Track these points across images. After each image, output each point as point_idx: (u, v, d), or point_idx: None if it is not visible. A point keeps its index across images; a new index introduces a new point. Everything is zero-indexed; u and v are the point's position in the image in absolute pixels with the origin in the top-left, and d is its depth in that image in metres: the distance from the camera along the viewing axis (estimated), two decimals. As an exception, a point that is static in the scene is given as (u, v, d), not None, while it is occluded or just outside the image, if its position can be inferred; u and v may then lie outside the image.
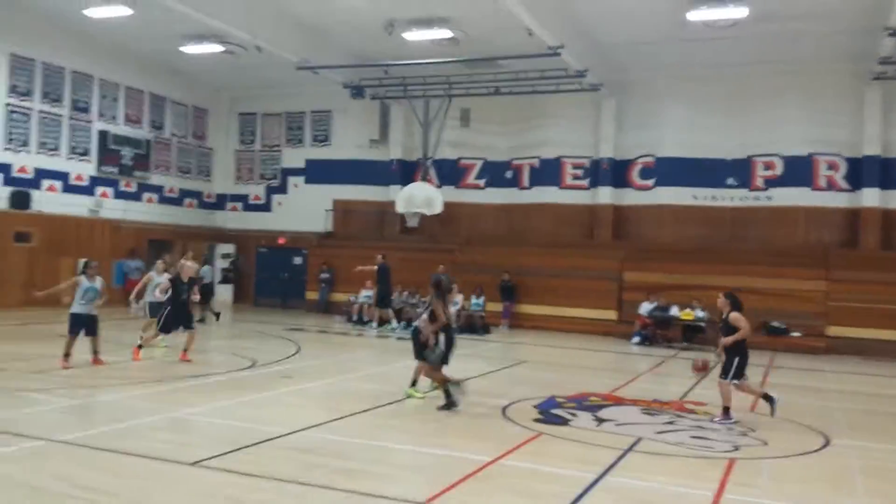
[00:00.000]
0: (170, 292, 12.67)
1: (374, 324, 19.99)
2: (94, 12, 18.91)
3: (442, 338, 9.79)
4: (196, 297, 13.60)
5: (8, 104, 20.25)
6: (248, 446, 7.14)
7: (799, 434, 8.88)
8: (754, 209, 22.13)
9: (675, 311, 19.00)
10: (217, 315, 19.48)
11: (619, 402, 10.46)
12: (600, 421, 9.06)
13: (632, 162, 23.44)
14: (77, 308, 11.14)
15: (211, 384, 10.73)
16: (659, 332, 18.97)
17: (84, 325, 11.14)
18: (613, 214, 23.41)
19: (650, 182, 23.24)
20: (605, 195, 23.45)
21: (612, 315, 20.78)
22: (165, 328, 12.53)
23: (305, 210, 26.19)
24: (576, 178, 23.95)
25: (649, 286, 19.91)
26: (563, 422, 8.90)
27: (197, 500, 5.61)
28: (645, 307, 19.31)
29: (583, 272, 21.08)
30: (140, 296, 14.45)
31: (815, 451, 8.11)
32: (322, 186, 26.37)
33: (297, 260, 26.24)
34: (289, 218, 26.67)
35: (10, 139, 20.38)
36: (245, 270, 26.80)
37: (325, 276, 23.81)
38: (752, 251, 21.07)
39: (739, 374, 9.47)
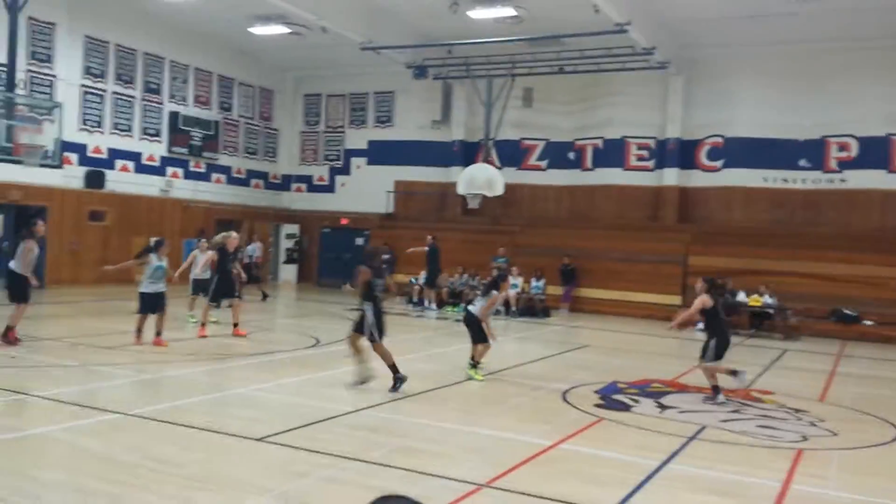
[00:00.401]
0: (215, 265, 13.05)
1: (433, 305, 20.09)
2: (166, -5, 19.35)
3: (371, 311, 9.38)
4: (243, 277, 14.00)
5: (83, 86, 20.91)
6: (312, 423, 7.29)
7: (871, 425, 8.60)
8: (827, 192, 21.37)
9: (742, 296, 18.54)
10: (265, 296, 19.75)
11: (683, 389, 10.30)
12: (663, 408, 8.94)
13: (699, 142, 22.88)
14: (146, 287, 11.46)
15: (276, 361, 10.98)
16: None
17: (153, 303, 11.47)
18: (679, 196, 22.93)
19: (718, 163, 22.67)
20: (671, 176, 22.96)
21: (676, 300, 20.35)
22: (214, 299, 12.87)
23: (367, 191, 26.40)
24: (641, 158, 23.51)
25: (716, 270, 19.38)
26: (625, 408, 8.81)
27: (263, 475, 5.76)
28: (711, 292, 18.88)
29: (646, 256, 20.74)
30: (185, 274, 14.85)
31: (888, 442, 7.85)
32: (384, 167, 26.53)
33: (359, 241, 26.50)
34: (351, 199, 26.94)
35: (85, 120, 21.07)
36: (307, 251, 27.23)
37: (385, 256, 23.98)
38: (825, 235, 20.37)
39: (717, 356, 9.39)
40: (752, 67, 22.03)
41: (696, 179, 22.90)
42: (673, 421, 8.27)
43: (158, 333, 11.57)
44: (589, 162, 24.25)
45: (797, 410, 9.18)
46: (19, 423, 6.92)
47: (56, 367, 9.56)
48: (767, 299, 18.13)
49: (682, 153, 22.87)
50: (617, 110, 23.61)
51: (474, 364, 10.21)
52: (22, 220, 19.19)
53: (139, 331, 11.41)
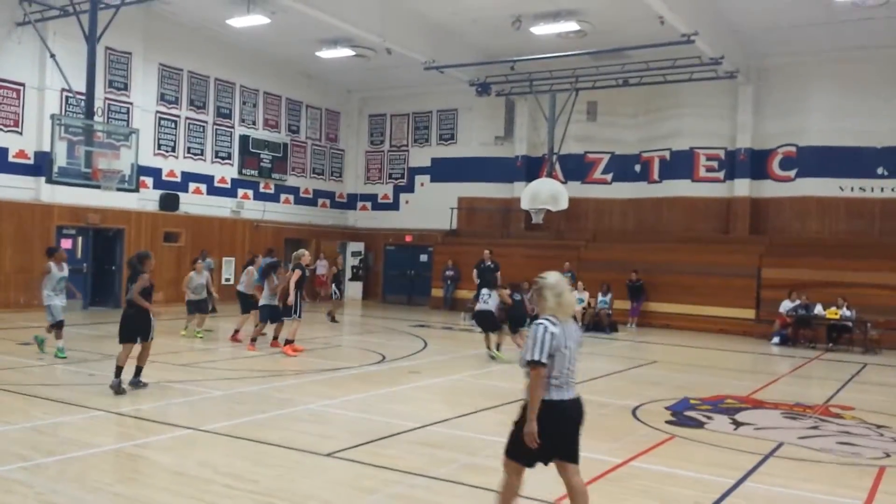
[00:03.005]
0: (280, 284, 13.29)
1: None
2: (236, 22, 19.94)
3: None
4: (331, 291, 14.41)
5: (157, 112, 21.68)
6: (379, 439, 7.32)
7: (963, 444, 8.15)
8: (907, 201, 20.50)
9: (818, 309, 17.89)
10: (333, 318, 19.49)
11: (759, 405, 9.97)
12: (738, 424, 8.67)
13: (771, 152, 22.27)
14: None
15: (344, 377, 11.08)
16: (801, 331, 17.94)
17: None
18: (751, 207, 22.31)
19: (791, 173, 22.00)
20: (743, 187, 22.39)
21: (749, 314, 19.82)
22: (291, 314, 12.95)
23: (431, 208, 26.55)
24: (710, 170, 22.99)
25: (790, 283, 18.84)
26: (698, 424, 8.58)
27: (333, 490, 5.80)
28: (786, 305, 18.30)
29: (718, 269, 20.21)
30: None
31: (983, 463, 7.43)
32: (447, 185, 26.66)
33: (423, 257, 26.64)
34: (415, 216, 27.13)
35: (160, 145, 21.82)
36: (372, 268, 27.50)
37: (450, 273, 24.05)
38: (906, 246, 19.54)
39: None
40: (824, 74, 21.38)
41: (769, 190, 22.27)
42: (748, 438, 8.02)
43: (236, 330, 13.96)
44: (656, 174, 23.86)
45: (879, 426, 8.79)
46: (95, 439, 7.14)
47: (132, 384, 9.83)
48: (845, 312, 17.44)
49: (753, 163, 22.30)
50: (684, 121, 23.18)
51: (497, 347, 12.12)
52: (100, 243, 20.00)
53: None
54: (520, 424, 4.76)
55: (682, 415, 9.05)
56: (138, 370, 9.43)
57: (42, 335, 11.99)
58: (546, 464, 4.84)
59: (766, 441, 7.84)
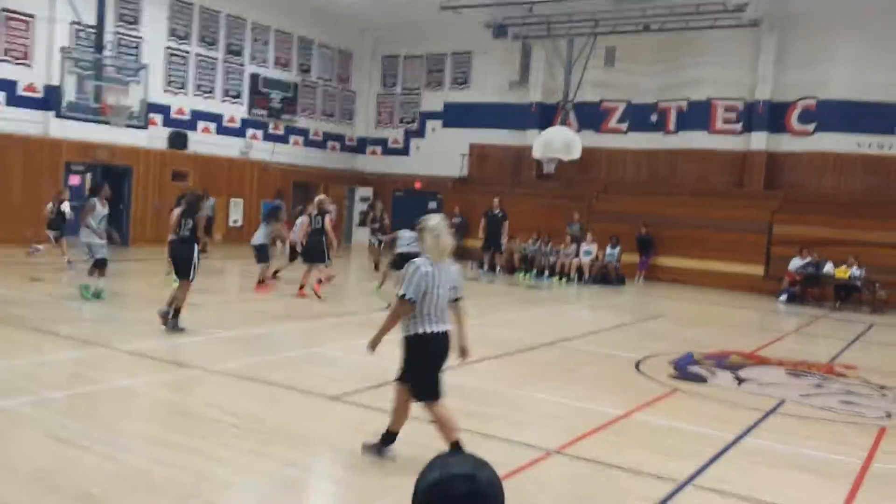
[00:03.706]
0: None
1: (500, 271, 19.84)
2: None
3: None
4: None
5: (168, 48, 21.38)
6: (384, 384, 7.35)
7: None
8: (928, 159, 20.18)
9: (829, 268, 17.79)
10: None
11: (763, 362, 9.98)
12: (741, 381, 8.68)
13: (790, 105, 21.83)
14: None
15: (351, 323, 11.13)
16: (809, 290, 17.88)
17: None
18: (767, 162, 21.99)
19: (810, 127, 21.62)
20: (759, 141, 22.03)
21: (759, 270, 19.71)
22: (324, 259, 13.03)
23: (442, 154, 26.25)
24: (727, 121, 22.60)
25: (801, 240, 18.68)
26: (701, 379, 8.60)
27: (338, 432, 5.87)
28: (795, 263, 18.20)
29: (729, 224, 20.00)
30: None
31: None
32: (459, 130, 26.31)
33: (432, 204, 26.46)
34: (426, 162, 26.86)
35: (170, 82, 21.58)
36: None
37: (456, 220, 23.88)
38: (923, 206, 19.30)
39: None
40: (850, 24, 20.77)
41: (786, 144, 21.93)
42: (751, 394, 8.04)
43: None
44: (672, 125, 23.48)
45: (882, 387, 8.80)
46: (102, 375, 7.22)
47: (139, 322, 9.92)
48: (855, 271, 17.35)
49: (771, 116, 21.89)
50: (704, 70, 22.66)
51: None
52: (109, 180, 19.95)
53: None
54: (410, 367, 5.17)
55: (686, 369, 9.06)
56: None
57: (87, 283, 11.18)
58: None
59: (769, 398, 7.85)
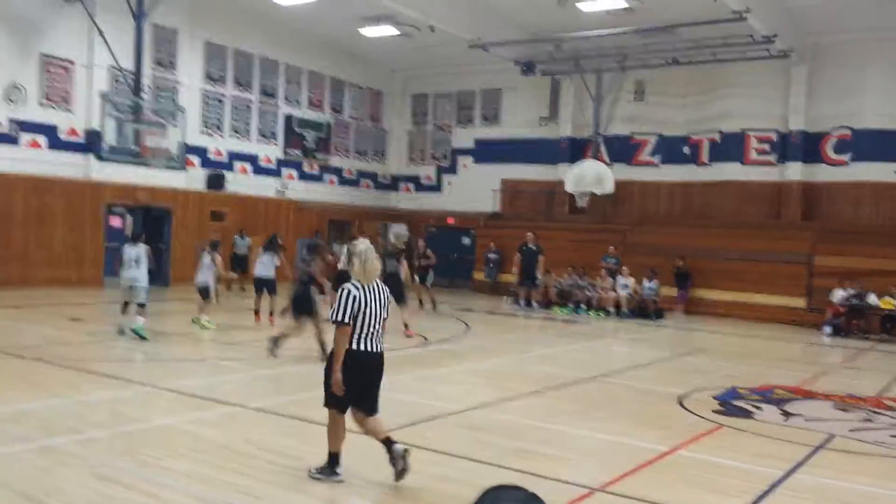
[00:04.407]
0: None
1: (536, 305, 19.79)
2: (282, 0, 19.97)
3: None
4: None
5: (203, 90, 21.87)
6: (423, 421, 7.31)
7: None
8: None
9: (872, 298, 17.39)
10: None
11: (809, 395, 9.74)
12: (788, 415, 8.47)
13: (825, 135, 21.60)
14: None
15: (387, 359, 11.07)
16: (853, 321, 17.47)
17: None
18: (803, 192, 21.73)
19: (845, 157, 21.34)
20: (795, 171, 21.79)
21: (800, 302, 19.34)
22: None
23: (474, 190, 26.35)
24: (761, 152, 22.41)
25: (843, 271, 18.31)
26: (747, 414, 8.40)
27: (376, 469, 5.80)
28: (838, 294, 17.82)
29: (768, 255, 19.72)
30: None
31: None
32: (491, 166, 26.43)
33: (466, 240, 26.53)
34: (458, 198, 26.99)
35: (206, 124, 22.03)
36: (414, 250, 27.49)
37: (493, 256, 23.91)
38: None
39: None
40: (881, 53, 20.60)
41: (822, 174, 21.64)
42: (798, 429, 7.83)
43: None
44: (705, 157, 23.35)
45: (936, 421, 8.51)
46: (144, 413, 7.26)
47: (181, 361, 10.00)
48: (901, 301, 16.94)
49: (806, 146, 21.67)
50: (735, 102, 22.58)
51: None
52: (149, 221, 20.33)
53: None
54: (328, 374, 5.43)
55: (731, 404, 8.87)
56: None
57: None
58: (345, 409, 5.51)
59: (817, 433, 7.65)
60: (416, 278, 17.90)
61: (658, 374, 10.90)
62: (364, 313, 5.33)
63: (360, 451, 6.29)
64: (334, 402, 5.47)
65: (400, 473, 5.38)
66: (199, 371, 9.47)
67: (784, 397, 9.46)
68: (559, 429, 7.36)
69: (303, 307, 10.37)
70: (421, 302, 17.85)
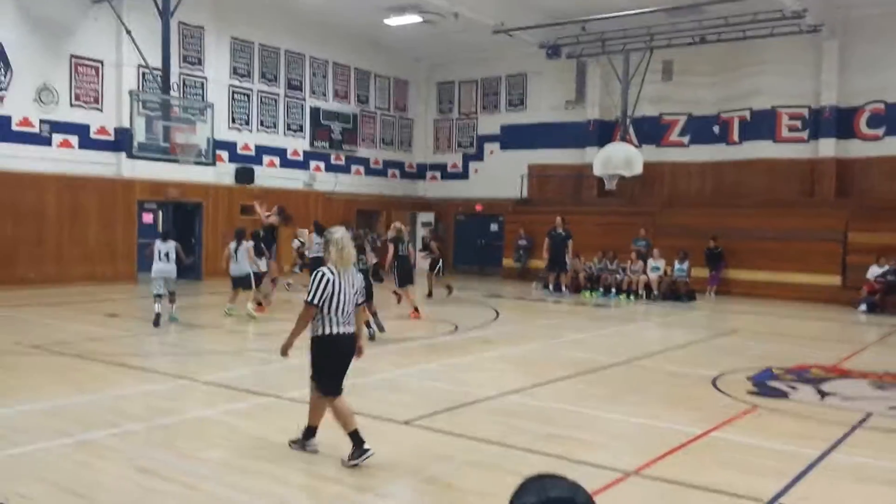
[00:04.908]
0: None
1: (566, 290, 19.69)
2: (303, -8, 20.06)
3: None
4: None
5: (231, 86, 22.04)
6: (455, 408, 7.34)
7: None
8: None
9: (910, 274, 17.06)
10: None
11: (846, 374, 9.60)
12: (824, 395, 8.36)
13: (858, 109, 21.15)
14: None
15: (418, 347, 11.16)
16: (889, 298, 17.15)
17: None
18: (837, 168, 21.31)
19: (879, 131, 20.88)
20: (828, 147, 21.39)
21: (835, 280, 19.04)
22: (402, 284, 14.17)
23: (501, 176, 26.28)
24: (793, 129, 22.02)
25: (879, 248, 17.98)
26: (782, 395, 8.31)
27: (411, 457, 5.85)
28: (874, 271, 17.51)
29: (801, 233, 19.41)
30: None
31: None
32: (517, 152, 26.31)
33: (494, 227, 26.50)
34: (485, 185, 26.93)
35: (234, 119, 22.21)
36: (443, 238, 27.55)
37: (522, 242, 23.86)
38: None
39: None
40: (913, 26, 20.10)
41: (856, 149, 21.21)
42: (835, 408, 7.74)
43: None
44: (735, 135, 23.00)
45: (980, 398, 8.34)
46: (181, 406, 7.39)
47: (215, 353, 10.14)
48: (940, 277, 16.59)
49: (838, 122, 21.25)
50: (765, 79, 22.18)
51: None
52: (180, 216, 20.59)
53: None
54: (314, 362, 5.68)
55: (766, 385, 8.77)
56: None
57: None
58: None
59: (854, 412, 7.54)
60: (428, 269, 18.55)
61: (691, 357, 10.81)
62: (338, 297, 5.53)
63: (397, 443, 6.35)
64: (329, 390, 5.67)
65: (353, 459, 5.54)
66: (233, 363, 9.59)
67: (820, 377, 9.33)
68: (591, 413, 7.34)
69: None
70: (449, 288, 18.04)
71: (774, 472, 5.66)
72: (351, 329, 5.67)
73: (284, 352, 5.80)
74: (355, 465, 5.48)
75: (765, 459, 5.99)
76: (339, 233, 5.72)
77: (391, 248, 13.79)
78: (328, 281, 5.52)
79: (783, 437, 6.60)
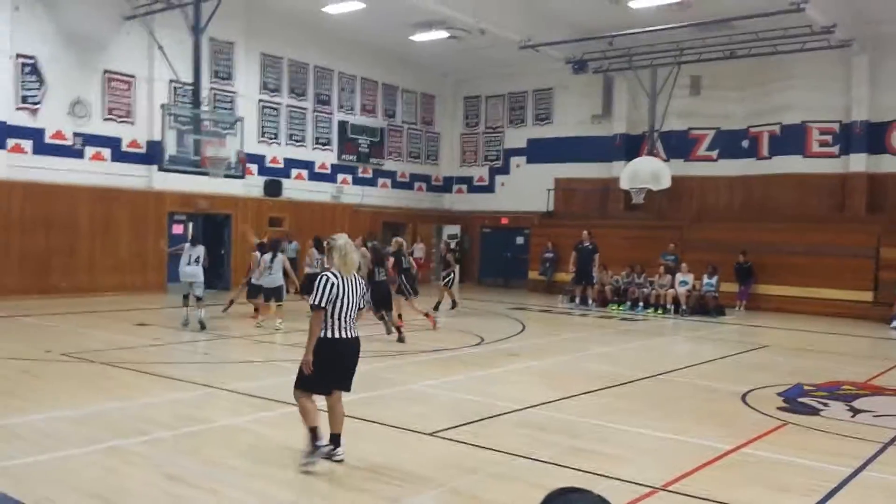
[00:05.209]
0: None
1: (593, 303, 19.59)
2: (332, 9, 20.26)
3: None
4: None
5: (260, 100, 22.31)
6: (480, 420, 7.32)
7: None
8: None
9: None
10: (453, 304, 19.62)
11: (878, 391, 9.43)
12: (855, 411, 8.22)
13: (889, 125, 20.86)
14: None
15: (444, 359, 11.15)
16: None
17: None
18: (868, 184, 21.01)
19: (912, 146, 20.59)
20: (859, 162, 21.11)
21: (866, 296, 18.73)
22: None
23: (527, 190, 26.28)
24: (823, 144, 21.78)
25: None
26: (813, 411, 8.18)
27: (437, 469, 5.84)
28: (906, 287, 17.20)
29: (832, 249, 19.14)
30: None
31: None
32: (543, 165, 26.30)
33: (520, 240, 26.47)
34: (511, 198, 26.94)
35: (263, 132, 22.46)
36: (468, 251, 27.57)
37: (549, 255, 23.79)
38: None
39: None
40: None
41: (888, 165, 20.90)
42: (867, 425, 7.59)
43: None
44: (765, 150, 22.79)
45: None
46: (208, 414, 7.44)
47: (243, 362, 10.21)
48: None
49: (870, 137, 20.98)
50: (795, 94, 22.00)
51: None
52: (209, 228, 20.81)
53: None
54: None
55: (796, 401, 8.64)
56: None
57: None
58: (329, 392, 5.81)
59: (887, 429, 7.40)
60: (442, 282, 18.30)
61: (720, 372, 10.69)
62: (341, 301, 5.63)
63: (421, 454, 6.34)
64: (309, 387, 5.72)
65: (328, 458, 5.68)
66: (260, 373, 9.65)
67: (851, 393, 9.18)
68: (618, 427, 7.28)
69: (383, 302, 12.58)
70: (454, 303, 17.89)
71: (805, 489, 5.57)
72: (354, 333, 5.76)
73: (308, 366, 5.67)
74: (309, 463, 5.58)
75: (795, 476, 5.90)
76: (342, 239, 5.82)
77: (392, 261, 13.89)
78: (333, 284, 5.61)
79: (814, 453, 6.49)
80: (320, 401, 5.89)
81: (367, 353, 10.93)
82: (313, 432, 5.64)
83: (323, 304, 5.59)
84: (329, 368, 5.69)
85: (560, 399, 8.41)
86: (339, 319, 5.64)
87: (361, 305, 5.83)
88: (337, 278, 5.65)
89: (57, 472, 5.51)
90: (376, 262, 12.82)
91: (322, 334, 5.64)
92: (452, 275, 18.44)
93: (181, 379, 9.03)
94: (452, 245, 26.82)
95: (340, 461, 5.73)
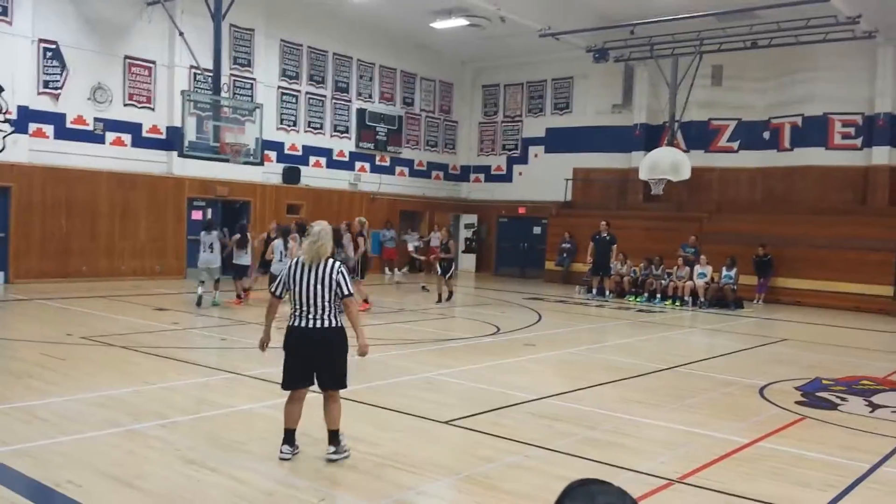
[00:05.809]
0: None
1: (610, 295, 19.53)
2: (352, -4, 20.24)
3: None
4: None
5: (280, 87, 22.35)
6: (496, 409, 7.33)
7: None
8: None
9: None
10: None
11: (899, 387, 9.34)
12: (874, 407, 8.16)
13: (914, 117, 20.60)
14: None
15: (460, 348, 11.17)
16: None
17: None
18: (890, 177, 20.76)
19: (936, 139, 20.31)
20: (882, 155, 20.85)
21: (887, 290, 18.52)
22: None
23: (545, 179, 26.16)
24: (846, 136, 21.52)
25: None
26: (831, 406, 8.12)
27: (452, 457, 5.86)
28: (929, 282, 17.00)
29: (853, 242, 18.94)
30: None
31: None
32: (562, 155, 26.17)
33: (537, 230, 26.40)
34: (529, 188, 26.85)
35: (282, 120, 22.51)
36: (485, 240, 27.54)
37: (566, 245, 23.71)
38: None
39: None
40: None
41: (911, 158, 20.66)
42: (886, 421, 7.53)
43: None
44: (786, 142, 22.56)
45: None
46: (226, 399, 7.50)
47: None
48: None
49: (893, 130, 20.71)
50: (818, 85, 21.74)
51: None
52: (228, 214, 20.91)
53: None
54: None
55: (814, 395, 8.59)
56: None
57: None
58: (294, 387, 5.70)
59: (907, 425, 7.34)
60: (439, 270, 17.34)
61: (737, 364, 10.63)
62: (298, 289, 5.54)
63: (438, 442, 6.36)
64: (283, 382, 5.77)
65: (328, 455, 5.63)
66: (277, 359, 9.66)
67: (870, 388, 9.10)
68: (635, 419, 7.26)
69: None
70: (440, 296, 16.96)
71: (822, 483, 5.54)
72: (312, 323, 5.55)
73: (260, 344, 5.88)
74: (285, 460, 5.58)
75: (813, 471, 5.87)
76: (319, 226, 5.75)
77: (360, 241, 14.27)
78: (289, 273, 5.62)
79: (832, 448, 6.46)
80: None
81: (381, 342, 11.03)
82: (285, 433, 5.65)
83: (274, 291, 5.72)
84: (289, 360, 5.68)
85: (576, 390, 8.41)
86: (297, 308, 5.58)
87: (327, 296, 5.52)
88: (296, 267, 5.61)
89: (76, 453, 5.58)
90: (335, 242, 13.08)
91: (288, 324, 5.65)
92: (453, 265, 18.14)
93: (200, 364, 9.11)
94: (481, 233, 26.77)
95: (334, 461, 5.58)
